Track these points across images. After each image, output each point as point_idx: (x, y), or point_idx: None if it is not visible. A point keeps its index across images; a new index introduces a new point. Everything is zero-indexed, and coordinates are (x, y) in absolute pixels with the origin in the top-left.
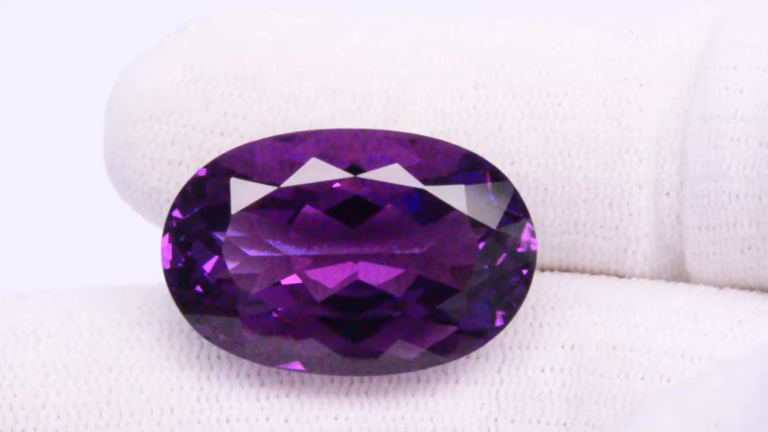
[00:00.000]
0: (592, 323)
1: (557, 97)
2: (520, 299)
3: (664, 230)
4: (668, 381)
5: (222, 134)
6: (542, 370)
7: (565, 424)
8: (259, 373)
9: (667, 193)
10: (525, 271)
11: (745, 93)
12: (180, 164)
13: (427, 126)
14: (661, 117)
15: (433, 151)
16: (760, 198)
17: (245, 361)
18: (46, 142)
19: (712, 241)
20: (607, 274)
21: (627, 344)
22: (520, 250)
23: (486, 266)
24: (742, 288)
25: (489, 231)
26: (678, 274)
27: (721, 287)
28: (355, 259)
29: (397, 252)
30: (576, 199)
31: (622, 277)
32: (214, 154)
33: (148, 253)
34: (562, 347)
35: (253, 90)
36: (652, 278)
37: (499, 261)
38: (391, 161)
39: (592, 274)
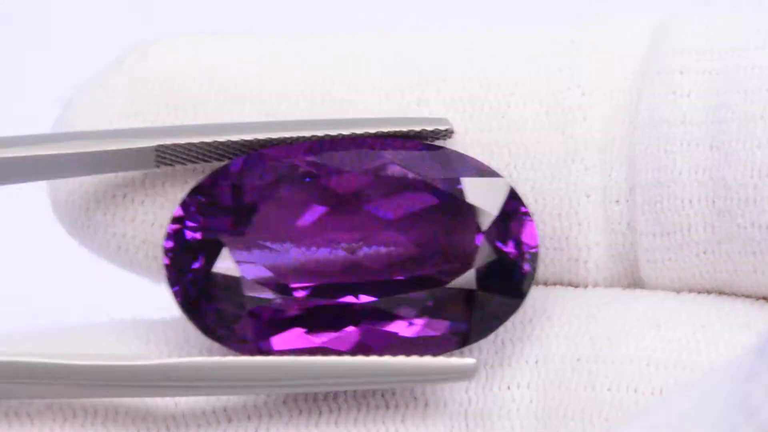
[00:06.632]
0: (554, 336)
1: (500, 110)
2: (524, 293)
3: (615, 238)
4: (635, 391)
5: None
6: (508, 387)
7: None
8: (225, 409)
9: (617, 201)
10: (527, 266)
11: (692, 97)
12: (125, 197)
13: None
14: (605, 125)
15: (430, 158)
16: (713, 201)
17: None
18: None
19: (667, 247)
20: (561, 284)
21: (591, 356)
22: (524, 247)
23: (487, 260)
24: (699, 292)
25: (490, 225)
26: (633, 282)
27: (678, 292)
28: (356, 273)
29: (395, 250)
30: None
31: (576, 287)
32: (157, 186)
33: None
34: (527, 362)
35: (193, 119)
36: (606, 287)
37: (503, 252)
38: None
39: (546, 285)
